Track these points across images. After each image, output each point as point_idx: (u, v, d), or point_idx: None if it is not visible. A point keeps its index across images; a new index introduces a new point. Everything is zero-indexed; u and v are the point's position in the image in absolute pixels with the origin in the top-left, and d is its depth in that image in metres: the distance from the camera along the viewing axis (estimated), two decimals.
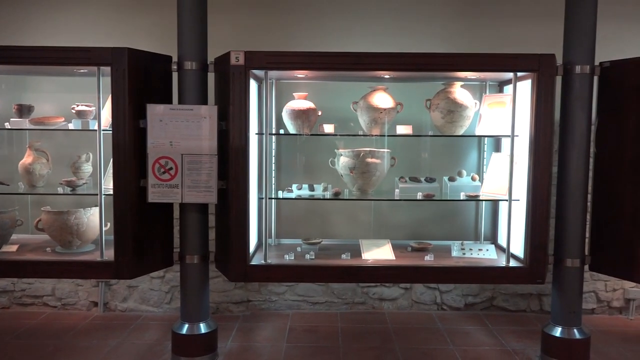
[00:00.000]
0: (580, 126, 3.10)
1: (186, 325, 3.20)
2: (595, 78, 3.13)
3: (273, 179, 3.86)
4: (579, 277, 3.21)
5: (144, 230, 3.09)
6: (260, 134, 3.47)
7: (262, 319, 4.01)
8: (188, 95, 3.08)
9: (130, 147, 2.97)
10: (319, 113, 3.53)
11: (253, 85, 3.23)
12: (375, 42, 3.90)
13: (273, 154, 3.87)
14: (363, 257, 3.36)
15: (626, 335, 3.79)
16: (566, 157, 3.14)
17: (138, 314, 4.11)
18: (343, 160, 3.46)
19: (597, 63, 3.12)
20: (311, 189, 3.55)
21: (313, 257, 3.34)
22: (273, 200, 3.85)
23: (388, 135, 3.48)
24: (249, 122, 3.02)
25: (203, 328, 3.21)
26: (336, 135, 3.55)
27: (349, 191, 3.52)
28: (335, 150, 3.54)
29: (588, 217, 3.26)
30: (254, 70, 3.06)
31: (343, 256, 3.33)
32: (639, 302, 4.13)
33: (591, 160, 3.21)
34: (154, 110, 2.98)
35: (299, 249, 3.59)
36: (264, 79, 3.14)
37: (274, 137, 3.84)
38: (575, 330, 3.20)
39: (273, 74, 3.39)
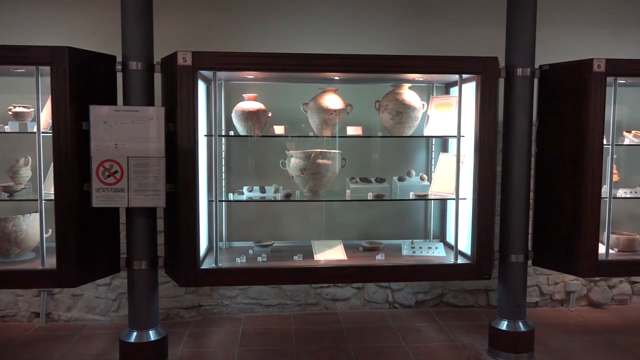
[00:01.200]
0: (522, 127, 3.22)
1: (134, 333, 3.11)
2: (536, 80, 3.26)
3: (223, 181, 3.81)
4: (523, 272, 3.33)
5: (88, 236, 2.98)
6: (209, 135, 3.41)
7: (214, 324, 3.95)
8: (133, 96, 2.99)
9: (72, 150, 2.86)
10: (269, 114, 3.51)
11: (201, 86, 3.18)
12: (327, 44, 3.91)
13: (223, 156, 3.81)
14: (315, 258, 3.37)
15: (567, 326, 3.96)
16: (509, 156, 3.25)
17: (83, 323, 3.96)
18: (294, 162, 3.46)
19: (537, 66, 3.25)
20: (262, 190, 3.53)
21: (265, 259, 3.32)
22: (223, 202, 3.81)
23: (338, 137, 3.51)
24: (197, 124, 2.97)
25: (152, 335, 3.13)
26: (287, 136, 3.55)
27: (301, 192, 3.52)
28: (286, 152, 3.53)
29: (531, 214, 3.39)
30: (202, 71, 3.01)
31: (295, 258, 3.33)
32: (579, 294, 4.34)
33: (533, 159, 3.34)
34: (98, 112, 2.88)
35: (250, 251, 3.56)
36: (213, 80, 3.09)
37: (223, 139, 3.79)
38: (520, 323, 3.32)
39: (222, 74, 3.34)
